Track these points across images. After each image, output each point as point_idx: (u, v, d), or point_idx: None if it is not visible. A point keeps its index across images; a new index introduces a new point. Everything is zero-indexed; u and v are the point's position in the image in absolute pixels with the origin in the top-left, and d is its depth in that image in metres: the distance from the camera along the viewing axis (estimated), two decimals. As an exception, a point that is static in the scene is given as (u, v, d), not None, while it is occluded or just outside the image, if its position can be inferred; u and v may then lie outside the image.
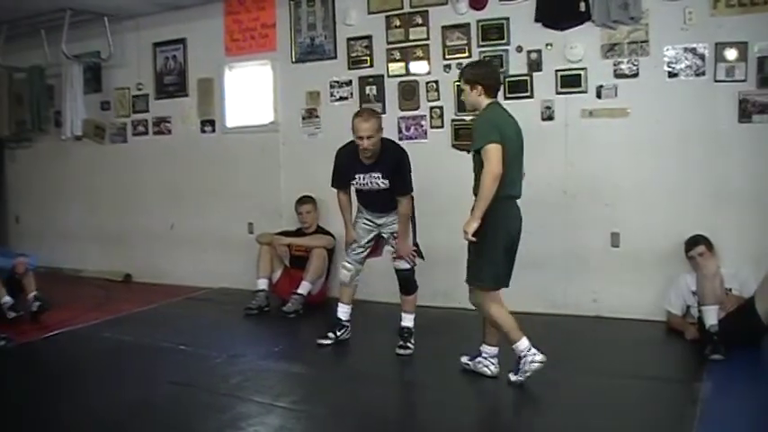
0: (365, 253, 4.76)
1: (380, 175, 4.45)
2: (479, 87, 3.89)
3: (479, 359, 4.04)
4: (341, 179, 4.63)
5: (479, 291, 3.90)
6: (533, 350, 3.78)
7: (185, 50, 7.02)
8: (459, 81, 4.31)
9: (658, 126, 5.05)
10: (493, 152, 3.68)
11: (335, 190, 4.71)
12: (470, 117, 5.01)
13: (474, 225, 3.70)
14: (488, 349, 4.04)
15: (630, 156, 5.16)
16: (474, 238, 3.71)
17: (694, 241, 4.76)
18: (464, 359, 4.10)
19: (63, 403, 3.84)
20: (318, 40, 6.28)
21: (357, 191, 4.67)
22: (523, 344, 3.79)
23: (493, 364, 4.01)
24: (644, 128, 5.10)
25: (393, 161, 4.45)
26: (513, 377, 3.84)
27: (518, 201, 3.91)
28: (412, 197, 4.56)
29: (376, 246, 4.82)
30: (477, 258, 3.84)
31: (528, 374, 3.77)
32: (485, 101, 3.90)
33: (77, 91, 7.34)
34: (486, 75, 3.97)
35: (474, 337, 4.09)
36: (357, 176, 4.52)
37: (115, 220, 7.51)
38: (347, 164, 4.53)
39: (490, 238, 3.74)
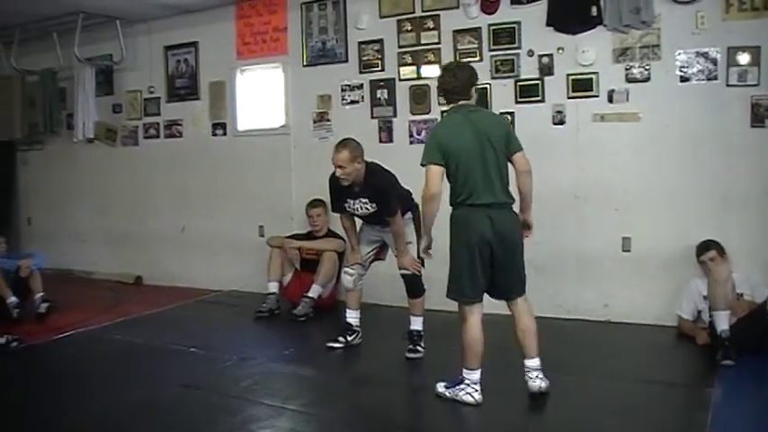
0: (369, 261, 4.85)
1: (367, 200, 4.53)
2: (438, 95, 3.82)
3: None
4: (337, 204, 4.71)
5: (457, 303, 3.74)
6: (478, 387, 3.63)
7: (197, 54, 7.04)
8: None
9: (670, 130, 5.04)
10: (430, 174, 3.59)
11: (337, 214, 4.82)
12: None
13: (423, 244, 3.79)
14: (529, 363, 3.74)
15: (642, 160, 5.15)
16: (431, 255, 3.81)
17: (705, 246, 4.75)
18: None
19: (67, 404, 3.86)
20: (330, 44, 6.29)
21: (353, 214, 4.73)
22: (474, 376, 3.64)
23: (534, 377, 3.72)
24: (655, 132, 5.08)
25: (376, 186, 4.49)
26: (440, 388, 3.76)
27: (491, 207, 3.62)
28: (416, 207, 4.57)
29: (379, 250, 4.87)
30: (449, 270, 3.73)
31: (454, 399, 3.66)
32: (446, 107, 3.80)
33: (89, 94, 7.39)
34: (440, 81, 3.76)
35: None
36: (348, 201, 4.60)
37: (126, 222, 7.55)
38: (338, 190, 4.60)
39: (452, 249, 3.68)
